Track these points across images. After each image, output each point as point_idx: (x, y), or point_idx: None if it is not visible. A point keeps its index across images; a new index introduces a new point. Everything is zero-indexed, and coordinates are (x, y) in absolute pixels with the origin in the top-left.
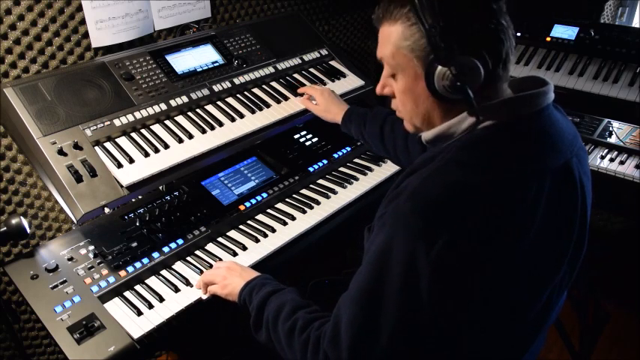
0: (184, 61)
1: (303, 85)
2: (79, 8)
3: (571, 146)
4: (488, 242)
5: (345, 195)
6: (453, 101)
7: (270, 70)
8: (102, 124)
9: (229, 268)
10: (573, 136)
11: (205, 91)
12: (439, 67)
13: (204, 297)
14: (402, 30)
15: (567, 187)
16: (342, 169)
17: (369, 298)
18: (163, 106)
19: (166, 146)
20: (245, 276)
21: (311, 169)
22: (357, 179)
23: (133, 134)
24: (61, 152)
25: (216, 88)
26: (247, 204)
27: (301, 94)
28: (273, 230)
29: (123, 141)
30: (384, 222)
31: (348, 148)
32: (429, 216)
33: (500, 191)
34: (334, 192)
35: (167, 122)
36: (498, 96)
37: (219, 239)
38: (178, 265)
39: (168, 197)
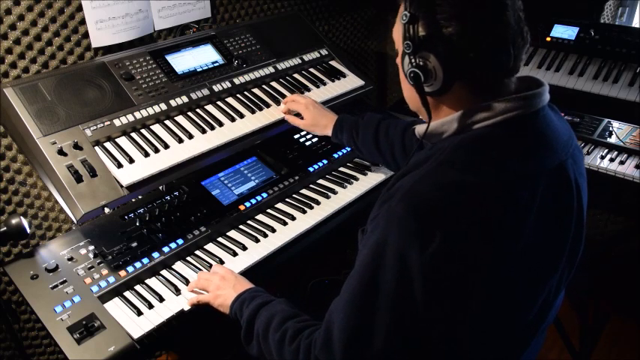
0: (184, 61)
1: (304, 85)
2: (79, 8)
3: (566, 147)
4: (483, 243)
5: (345, 195)
6: (437, 96)
7: (270, 70)
8: (102, 124)
9: (223, 278)
10: (568, 137)
11: (205, 91)
12: (406, 56)
13: (187, 308)
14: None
15: (562, 187)
16: (342, 169)
17: (362, 301)
18: (163, 106)
19: (166, 146)
20: (238, 287)
21: (311, 169)
22: (357, 179)
23: (133, 134)
24: (61, 152)
25: (216, 88)
26: (247, 204)
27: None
28: (273, 230)
29: (123, 141)
30: (377, 223)
31: (348, 148)
32: (423, 217)
33: (495, 192)
34: (334, 192)
35: (167, 122)
36: (496, 94)
37: (219, 239)
38: (178, 265)
39: (168, 197)
